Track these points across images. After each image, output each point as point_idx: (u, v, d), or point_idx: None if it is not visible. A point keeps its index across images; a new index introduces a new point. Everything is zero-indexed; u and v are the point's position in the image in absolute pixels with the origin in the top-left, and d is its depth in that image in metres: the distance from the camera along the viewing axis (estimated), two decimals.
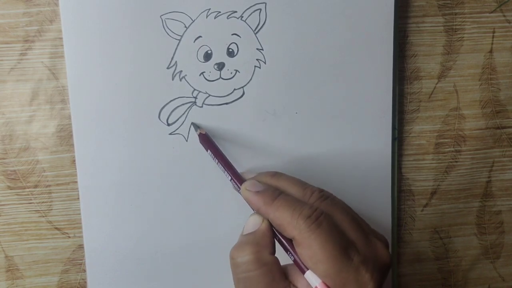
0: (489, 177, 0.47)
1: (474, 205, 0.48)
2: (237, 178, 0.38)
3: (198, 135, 0.40)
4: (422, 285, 0.48)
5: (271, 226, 0.35)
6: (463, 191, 0.47)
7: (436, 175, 0.47)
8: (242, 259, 0.34)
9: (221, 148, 0.40)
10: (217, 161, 0.39)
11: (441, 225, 0.48)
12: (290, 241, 0.34)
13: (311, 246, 0.32)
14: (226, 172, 0.38)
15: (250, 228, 0.35)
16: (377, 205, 0.45)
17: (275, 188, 0.36)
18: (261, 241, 0.34)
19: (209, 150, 0.40)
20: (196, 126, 0.41)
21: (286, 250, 0.34)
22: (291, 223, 0.33)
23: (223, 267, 0.43)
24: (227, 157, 0.39)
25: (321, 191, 0.36)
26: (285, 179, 0.37)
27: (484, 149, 0.47)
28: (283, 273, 0.34)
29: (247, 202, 0.36)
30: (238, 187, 0.37)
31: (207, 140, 0.40)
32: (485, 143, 0.47)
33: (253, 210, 0.36)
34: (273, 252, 0.35)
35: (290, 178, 0.37)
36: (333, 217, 0.33)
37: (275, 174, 0.38)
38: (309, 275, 0.32)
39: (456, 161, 0.47)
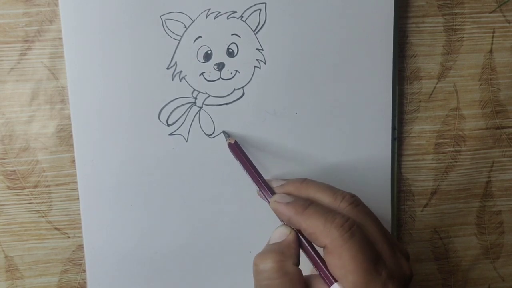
0: (489, 177, 0.48)
1: (474, 205, 0.48)
2: (266, 190, 0.38)
3: (228, 145, 0.41)
4: (422, 285, 0.48)
5: (298, 238, 0.35)
6: (463, 191, 0.47)
7: (436, 175, 0.47)
8: (265, 267, 0.34)
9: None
10: (246, 171, 0.39)
11: (441, 225, 0.48)
12: (318, 254, 0.34)
13: (342, 256, 0.32)
14: (254, 183, 0.39)
15: (277, 238, 0.35)
16: (377, 205, 0.44)
17: (305, 198, 0.36)
18: (286, 250, 0.34)
19: (238, 159, 0.40)
20: (227, 135, 0.41)
21: (313, 261, 0.34)
22: (324, 231, 0.32)
23: (222, 267, 0.43)
24: (257, 167, 0.39)
25: (352, 196, 0.36)
26: (314, 185, 0.37)
27: (484, 149, 0.47)
28: (305, 285, 0.34)
29: (276, 214, 0.36)
30: (267, 199, 0.37)
31: (237, 149, 0.40)
32: (485, 143, 0.47)
33: (282, 221, 0.36)
34: (297, 263, 0.34)
35: (319, 184, 0.37)
36: (364, 227, 0.33)
37: (304, 181, 0.38)
38: None
39: (456, 161, 0.47)
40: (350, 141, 0.43)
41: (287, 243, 0.35)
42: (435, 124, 0.46)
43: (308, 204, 0.35)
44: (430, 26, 0.45)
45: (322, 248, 0.34)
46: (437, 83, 0.45)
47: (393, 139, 0.44)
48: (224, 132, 0.42)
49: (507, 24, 0.45)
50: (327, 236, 0.32)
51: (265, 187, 0.38)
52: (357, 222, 0.33)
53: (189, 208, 0.43)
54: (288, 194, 0.37)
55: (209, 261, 0.43)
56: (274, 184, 0.38)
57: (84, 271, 0.44)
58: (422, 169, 0.47)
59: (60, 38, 0.41)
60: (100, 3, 0.39)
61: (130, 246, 0.43)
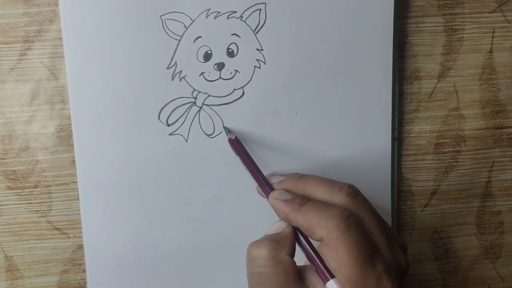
0: (489, 177, 0.47)
1: (474, 205, 0.48)
2: (265, 186, 0.38)
3: (228, 140, 0.41)
4: (422, 285, 0.48)
5: (294, 232, 0.35)
6: (463, 191, 0.47)
7: (436, 175, 0.47)
8: (258, 253, 0.34)
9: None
10: (245, 167, 0.39)
11: (441, 225, 0.48)
12: (314, 249, 0.34)
13: (338, 248, 0.31)
14: (253, 179, 0.39)
15: (274, 230, 0.35)
16: (377, 205, 0.44)
17: (302, 196, 0.36)
18: (281, 240, 0.34)
19: (238, 155, 0.40)
20: (228, 130, 0.41)
21: (309, 257, 0.34)
22: (320, 223, 0.32)
23: (222, 267, 0.43)
24: (257, 163, 0.39)
25: (350, 186, 0.35)
26: (311, 180, 0.37)
27: (484, 149, 0.47)
28: (298, 275, 0.34)
29: (274, 209, 0.36)
30: (266, 196, 0.37)
31: (237, 145, 0.40)
32: (485, 143, 0.47)
33: (280, 217, 0.36)
34: (292, 254, 0.34)
35: (316, 178, 0.37)
36: (362, 218, 0.33)
37: (302, 177, 0.37)
38: (329, 286, 0.32)
39: (456, 161, 0.47)
40: (350, 141, 0.43)
41: (284, 235, 0.35)
42: (435, 124, 0.46)
43: (305, 201, 0.35)
44: (430, 26, 0.45)
45: (318, 244, 0.33)
46: (437, 83, 0.45)
47: (393, 139, 0.44)
48: (225, 127, 0.42)
49: (507, 24, 0.45)
50: (323, 228, 0.32)
51: (264, 183, 0.38)
52: (354, 213, 0.33)
53: (189, 208, 0.43)
54: (287, 190, 0.37)
55: (209, 261, 0.43)
56: (273, 180, 0.38)
57: (84, 271, 0.44)
58: (422, 169, 0.46)
59: (60, 38, 0.41)
60: (100, 3, 0.39)
61: (130, 246, 0.43)
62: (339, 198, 0.34)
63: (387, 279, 0.32)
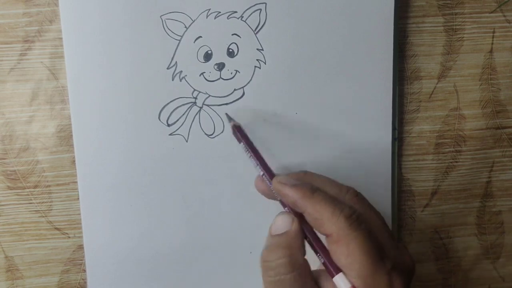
0: (489, 177, 0.47)
1: (474, 206, 0.48)
2: (269, 173, 0.37)
3: (231, 127, 0.40)
4: (422, 285, 0.48)
5: (301, 226, 0.34)
6: (463, 191, 0.47)
7: (436, 175, 0.47)
8: (276, 262, 0.33)
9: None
10: (249, 154, 0.39)
11: (441, 225, 0.48)
12: (321, 243, 0.34)
13: (349, 244, 0.31)
14: (258, 166, 0.38)
15: (280, 228, 0.34)
16: (377, 206, 0.44)
17: (310, 184, 0.35)
18: (293, 243, 0.34)
19: (241, 143, 0.39)
20: (230, 117, 0.41)
21: (316, 250, 0.34)
22: (331, 219, 0.32)
23: (222, 268, 0.43)
24: (260, 152, 0.38)
25: (355, 190, 0.36)
26: (317, 177, 0.37)
27: (484, 149, 0.47)
28: (313, 277, 0.34)
29: (279, 195, 0.35)
30: (269, 181, 0.37)
31: (240, 132, 0.39)
32: (485, 143, 0.47)
33: (285, 205, 0.35)
34: (304, 253, 0.34)
35: (322, 177, 0.37)
36: (369, 218, 0.33)
37: (307, 173, 0.37)
38: (339, 279, 0.32)
39: (456, 161, 0.47)
40: (350, 141, 0.43)
41: (293, 234, 0.34)
42: (436, 124, 0.46)
43: (315, 189, 0.34)
44: (430, 26, 0.44)
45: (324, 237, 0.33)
46: (437, 83, 0.45)
47: (394, 139, 0.44)
48: (227, 114, 0.41)
49: (507, 24, 0.45)
50: (334, 224, 0.32)
51: (268, 171, 0.37)
52: (362, 213, 0.33)
53: (189, 208, 0.43)
54: None
55: (209, 261, 0.43)
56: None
57: (84, 271, 0.44)
58: (423, 169, 0.46)
59: (60, 38, 0.41)
60: (100, 3, 0.39)
61: (130, 246, 0.43)
62: (346, 198, 0.34)
63: (396, 275, 0.32)
